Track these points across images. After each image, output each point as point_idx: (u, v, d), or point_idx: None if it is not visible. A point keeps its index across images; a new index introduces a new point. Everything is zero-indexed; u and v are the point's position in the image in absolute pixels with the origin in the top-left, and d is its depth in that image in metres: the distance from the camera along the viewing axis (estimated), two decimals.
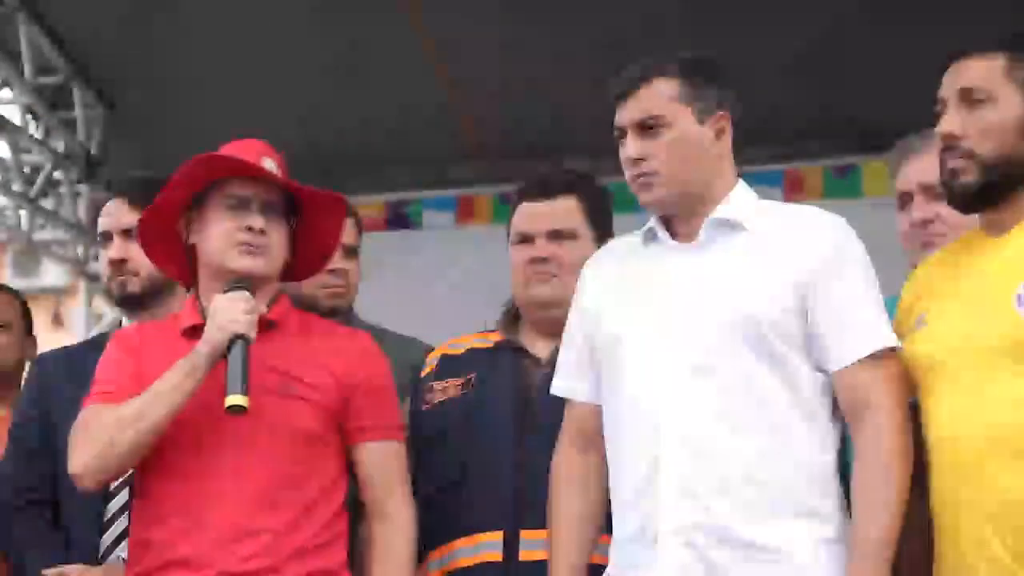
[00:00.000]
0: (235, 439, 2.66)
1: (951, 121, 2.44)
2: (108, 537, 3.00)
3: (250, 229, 2.72)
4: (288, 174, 2.83)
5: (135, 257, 3.13)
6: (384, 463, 2.81)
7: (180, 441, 2.67)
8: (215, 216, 2.75)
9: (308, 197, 2.82)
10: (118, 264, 3.16)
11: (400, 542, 2.78)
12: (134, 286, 3.16)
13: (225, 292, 2.69)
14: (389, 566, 2.76)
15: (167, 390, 2.64)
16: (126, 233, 3.16)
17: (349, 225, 3.60)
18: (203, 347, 2.63)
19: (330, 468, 2.75)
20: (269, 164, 2.78)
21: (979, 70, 2.43)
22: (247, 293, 2.68)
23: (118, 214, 3.20)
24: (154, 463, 2.69)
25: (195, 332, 2.70)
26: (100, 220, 3.24)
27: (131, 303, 3.19)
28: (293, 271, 2.88)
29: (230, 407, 2.57)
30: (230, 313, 2.63)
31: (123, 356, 2.79)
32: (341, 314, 3.43)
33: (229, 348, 2.61)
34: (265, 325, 2.72)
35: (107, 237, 3.21)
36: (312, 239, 2.86)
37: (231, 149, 2.81)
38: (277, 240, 2.77)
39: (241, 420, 2.61)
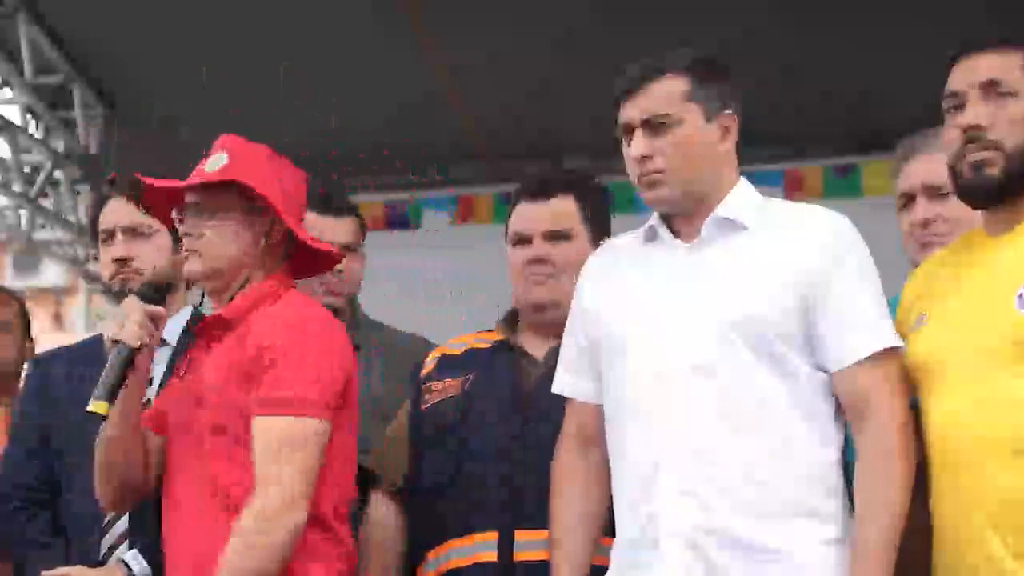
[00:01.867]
0: (179, 449, 2.69)
1: (977, 113, 2.43)
2: (108, 539, 2.99)
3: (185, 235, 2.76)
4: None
5: (139, 256, 3.15)
6: (257, 440, 2.55)
7: (166, 449, 2.74)
8: None
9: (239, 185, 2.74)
10: (121, 262, 3.16)
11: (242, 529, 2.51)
12: (136, 285, 3.15)
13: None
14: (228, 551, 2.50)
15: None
16: (130, 232, 3.16)
17: (349, 223, 3.61)
18: None
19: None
20: (214, 160, 2.76)
21: (1000, 64, 2.43)
22: (132, 299, 2.71)
23: (121, 213, 3.18)
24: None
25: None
26: (102, 218, 3.23)
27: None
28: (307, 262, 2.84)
29: (87, 412, 2.61)
30: (112, 320, 2.69)
31: None
32: (341, 312, 3.43)
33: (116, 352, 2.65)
34: (218, 323, 2.72)
35: (110, 235, 3.19)
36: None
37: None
38: (208, 237, 2.72)
39: (183, 429, 2.66)
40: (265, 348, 2.59)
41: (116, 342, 2.64)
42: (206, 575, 2.50)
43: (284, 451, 2.53)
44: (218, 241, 2.73)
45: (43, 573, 2.91)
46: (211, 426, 2.63)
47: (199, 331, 2.79)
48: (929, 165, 2.90)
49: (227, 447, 2.60)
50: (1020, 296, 2.34)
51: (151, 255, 3.16)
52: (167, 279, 3.15)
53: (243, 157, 2.77)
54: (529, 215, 3.09)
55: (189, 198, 2.77)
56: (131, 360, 2.64)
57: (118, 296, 3.18)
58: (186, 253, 2.75)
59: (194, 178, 2.76)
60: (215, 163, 2.76)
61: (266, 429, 2.55)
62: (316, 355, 2.61)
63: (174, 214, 2.79)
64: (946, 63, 2.50)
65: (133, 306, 2.69)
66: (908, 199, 2.98)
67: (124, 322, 2.66)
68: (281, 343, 2.59)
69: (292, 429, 2.54)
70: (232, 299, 2.75)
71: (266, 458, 2.52)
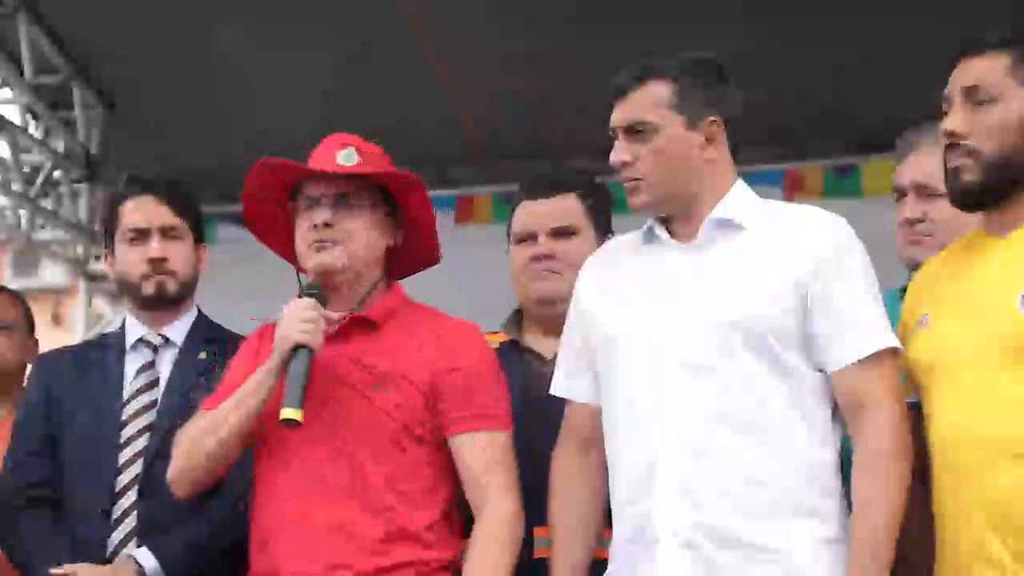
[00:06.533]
0: (319, 440, 2.65)
1: (954, 119, 2.44)
2: (116, 536, 3.00)
3: (315, 226, 2.71)
4: (392, 162, 2.80)
5: (173, 257, 3.16)
6: (474, 454, 2.68)
7: (272, 442, 2.70)
8: (298, 221, 2.77)
9: (385, 180, 2.77)
10: (158, 263, 3.16)
11: (487, 536, 2.64)
12: (172, 286, 3.17)
13: (298, 298, 2.70)
14: (474, 563, 2.62)
15: (241, 398, 2.69)
16: (165, 232, 3.17)
17: None
18: (272, 357, 2.66)
19: (426, 466, 2.68)
20: (345, 155, 2.74)
21: (984, 68, 2.43)
22: (312, 300, 2.68)
23: (156, 212, 3.17)
24: (257, 463, 2.74)
25: None
26: (129, 216, 3.19)
27: (163, 302, 3.18)
28: (411, 260, 2.87)
29: (283, 420, 2.59)
30: (291, 322, 2.64)
31: (242, 359, 2.82)
32: None
33: (292, 357, 2.62)
34: (362, 323, 2.72)
35: (142, 234, 3.16)
36: (412, 224, 2.83)
37: (318, 148, 2.80)
38: (352, 230, 2.72)
39: (326, 421, 2.62)
40: (469, 368, 2.72)
41: (298, 347, 2.62)
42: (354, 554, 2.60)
43: (507, 460, 2.71)
44: (365, 236, 2.74)
45: (51, 571, 2.92)
46: (379, 424, 2.65)
47: (343, 329, 2.73)
48: (921, 163, 2.91)
49: (399, 444, 2.65)
50: (1022, 297, 2.34)
51: (183, 257, 3.18)
52: (191, 284, 3.18)
53: (373, 156, 2.78)
54: (534, 213, 3.10)
55: (329, 189, 2.73)
56: (312, 362, 2.64)
57: (155, 298, 3.17)
58: (318, 244, 2.71)
59: (341, 166, 2.72)
60: (348, 157, 2.74)
61: (491, 441, 2.70)
62: (502, 377, 2.79)
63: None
64: (946, 63, 2.51)
65: (304, 307, 2.66)
66: (901, 195, 3.00)
67: (311, 328, 2.63)
68: (487, 366, 2.76)
69: (507, 442, 2.72)
70: (364, 300, 2.74)
71: (496, 467, 2.68)
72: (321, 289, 2.74)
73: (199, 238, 3.25)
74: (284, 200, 2.80)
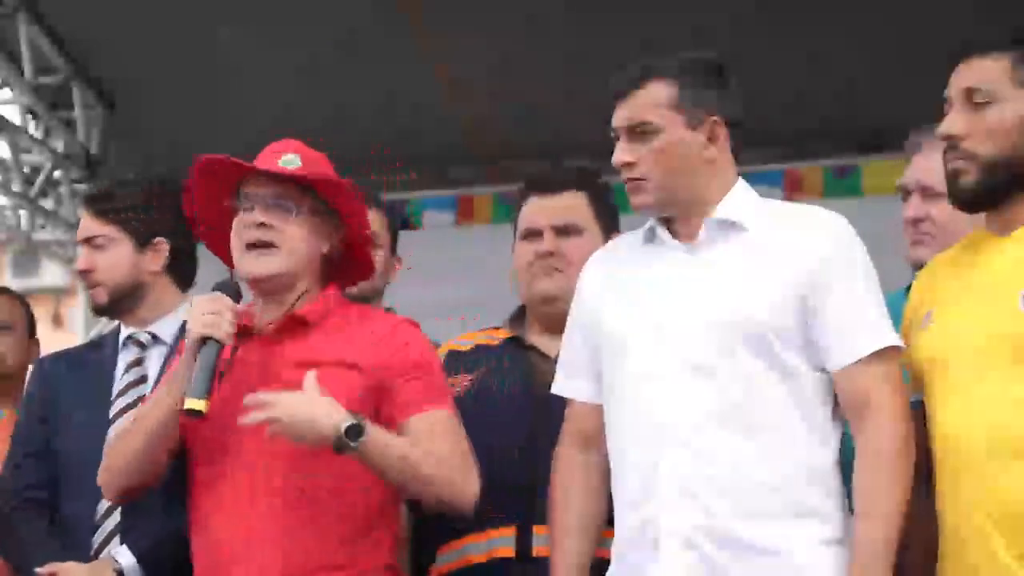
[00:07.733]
0: (255, 442, 2.63)
1: (952, 122, 2.45)
2: (98, 536, 3.01)
3: (251, 225, 2.70)
4: (336, 172, 2.79)
5: (99, 267, 3.18)
6: (428, 433, 2.66)
7: (204, 447, 2.69)
8: (235, 221, 2.75)
9: (321, 187, 2.75)
10: (83, 274, 3.21)
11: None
12: (99, 296, 3.19)
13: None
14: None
15: (159, 397, 2.70)
16: (88, 243, 3.19)
17: (371, 215, 3.59)
18: (185, 352, 2.66)
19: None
20: (287, 160, 2.73)
21: (984, 70, 2.43)
22: (218, 293, 2.68)
23: (83, 225, 3.22)
24: (194, 469, 2.73)
25: (242, 331, 2.72)
26: None
27: (100, 312, 3.26)
28: (349, 271, 2.86)
29: (185, 410, 2.59)
30: (195, 316, 2.65)
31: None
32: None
33: (200, 350, 2.63)
34: (297, 322, 2.72)
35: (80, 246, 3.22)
36: (350, 232, 2.81)
37: (263, 152, 2.78)
38: (288, 233, 2.71)
39: (258, 424, 2.61)
40: (413, 358, 2.72)
41: (206, 339, 2.62)
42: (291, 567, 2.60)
43: (458, 434, 2.71)
44: (301, 241, 2.72)
45: (36, 570, 2.93)
46: None
47: (277, 330, 2.72)
48: (928, 164, 2.92)
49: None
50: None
51: (107, 266, 3.17)
52: (125, 292, 3.17)
53: (315, 162, 2.77)
54: (540, 209, 3.11)
55: (264, 190, 2.72)
56: (220, 356, 2.64)
57: (94, 310, 3.24)
58: (252, 244, 2.70)
59: (283, 169, 2.72)
60: (290, 162, 2.73)
61: (438, 418, 2.68)
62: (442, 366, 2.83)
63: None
64: (947, 64, 2.51)
65: (211, 301, 2.67)
66: (906, 194, 3.00)
67: (214, 319, 2.63)
68: (429, 355, 2.77)
69: (445, 417, 2.71)
70: (295, 304, 2.72)
71: (455, 438, 2.69)
72: (235, 283, 2.74)
73: (146, 240, 3.20)
74: (228, 201, 2.77)
